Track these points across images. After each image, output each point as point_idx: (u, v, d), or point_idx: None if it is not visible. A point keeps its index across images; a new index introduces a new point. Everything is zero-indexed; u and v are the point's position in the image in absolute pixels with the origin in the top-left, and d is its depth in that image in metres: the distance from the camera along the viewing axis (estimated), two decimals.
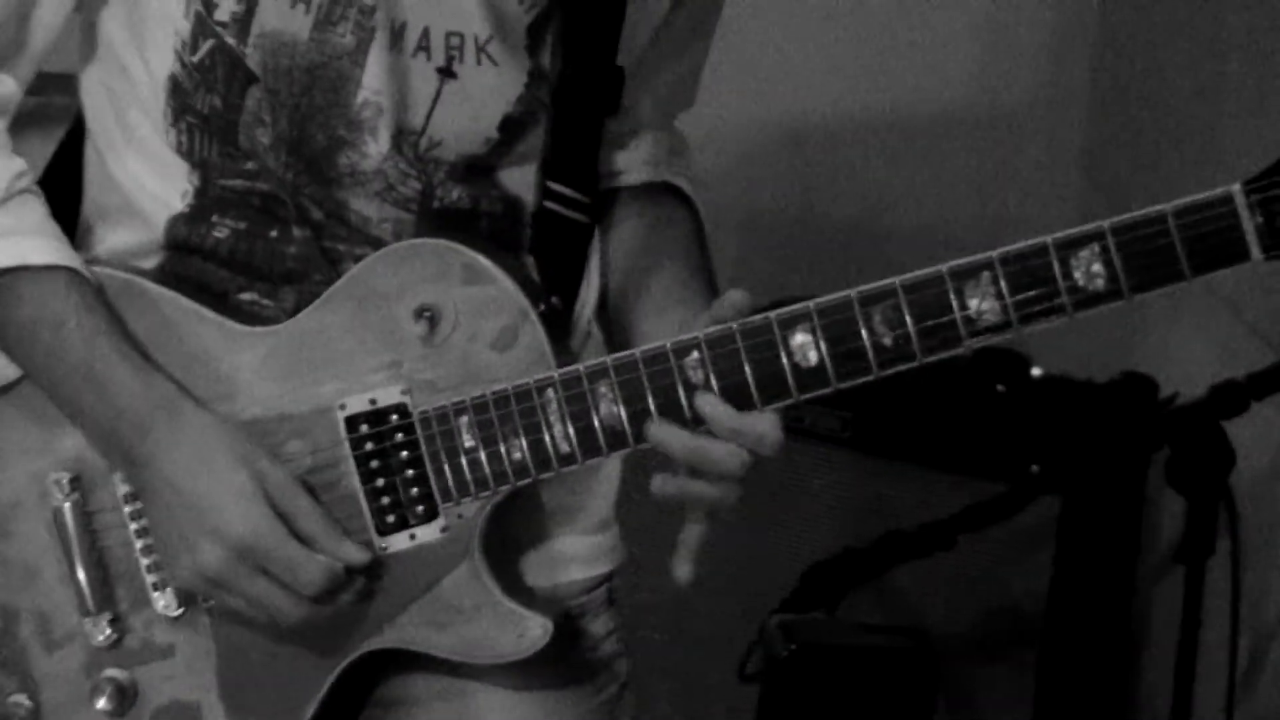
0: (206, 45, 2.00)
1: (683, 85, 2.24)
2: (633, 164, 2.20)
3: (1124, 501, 3.57)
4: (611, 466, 2.18)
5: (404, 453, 1.98)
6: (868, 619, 3.47)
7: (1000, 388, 3.55)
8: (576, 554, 2.19)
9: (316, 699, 2.04)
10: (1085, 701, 3.56)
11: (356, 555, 1.96)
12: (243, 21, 1.99)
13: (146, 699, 2.05)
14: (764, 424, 1.90)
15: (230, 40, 1.99)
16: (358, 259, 2.03)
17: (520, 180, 2.11)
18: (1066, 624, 3.52)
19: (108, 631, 2.04)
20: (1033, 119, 3.98)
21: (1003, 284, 1.85)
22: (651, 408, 1.91)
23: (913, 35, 3.99)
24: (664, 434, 1.91)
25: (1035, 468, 3.49)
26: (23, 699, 2.06)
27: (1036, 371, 3.56)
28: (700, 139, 2.31)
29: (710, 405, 1.89)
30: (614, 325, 2.16)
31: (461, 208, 2.08)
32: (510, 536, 2.07)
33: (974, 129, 4.00)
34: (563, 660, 2.09)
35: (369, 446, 1.98)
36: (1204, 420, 3.30)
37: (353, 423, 1.98)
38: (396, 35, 1.99)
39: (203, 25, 1.99)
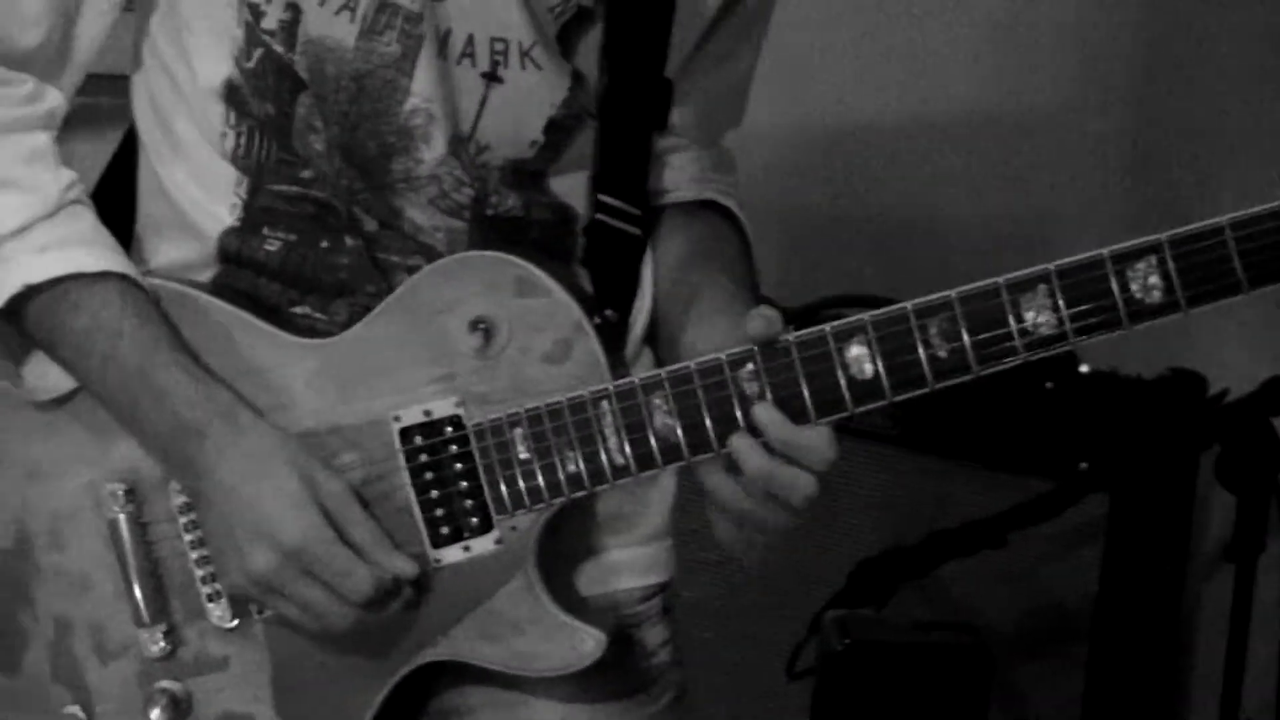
0: (257, 53, 2.01)
1: (729, 100, 2.24)
2: (679, 182, 2.20)
3: (1173, 498, 3.56)
4: (667, 478, 2.17)
5: (458, 465, 1.98)
6: (916, 616, 3.46)
7: (1049, 384, 3.53)
8: (631, 564, 2.19)
9: (371, 711, 2.04)
10: (1135, 699, 3.54)
11: (405, 567, 1.96)
12: (289, 29, 1.99)
13: (201, 710, 2.06)
14: (817, 438, 1.89)
15: (278, 48, 2.00)
16: (410, 269, 2.04)
17: (569, 188, 2.11)
18: (1116, 621, 3.50)
19: (162, 643, 2.05)
20: (1078, 117, 3.96)
21: (1059, 296, 1.84)
22: (707, 420, 1.91)
23: (954, 33, 3.97)
24: (744, 446, 1.90)
25: (1084, 465, 3.47)
26: (76, 710, 2.07)
27: (1085, 368, 3.55)
28: (738, 141, 2.31)
29: (766, 414, 1.89)
30: (658, 339, 2.15)
31: (514, 215, 2.08)
32: (564, 546, 2.07)
33: (1016, 127, 3.98)
34: (616, 671, 2.09)
35: (423, 458, 1.99)
36: (1254, 417, 3.30)
37: (407, 434, 1.99)
38: (442, 42, 2.00)
39: (252, 34, 2.00)
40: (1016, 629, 3.54)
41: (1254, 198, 1.83)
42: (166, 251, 2.11)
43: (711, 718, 3.61)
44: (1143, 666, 3.55)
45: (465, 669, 2.06)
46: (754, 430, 1.90)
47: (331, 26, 1.99)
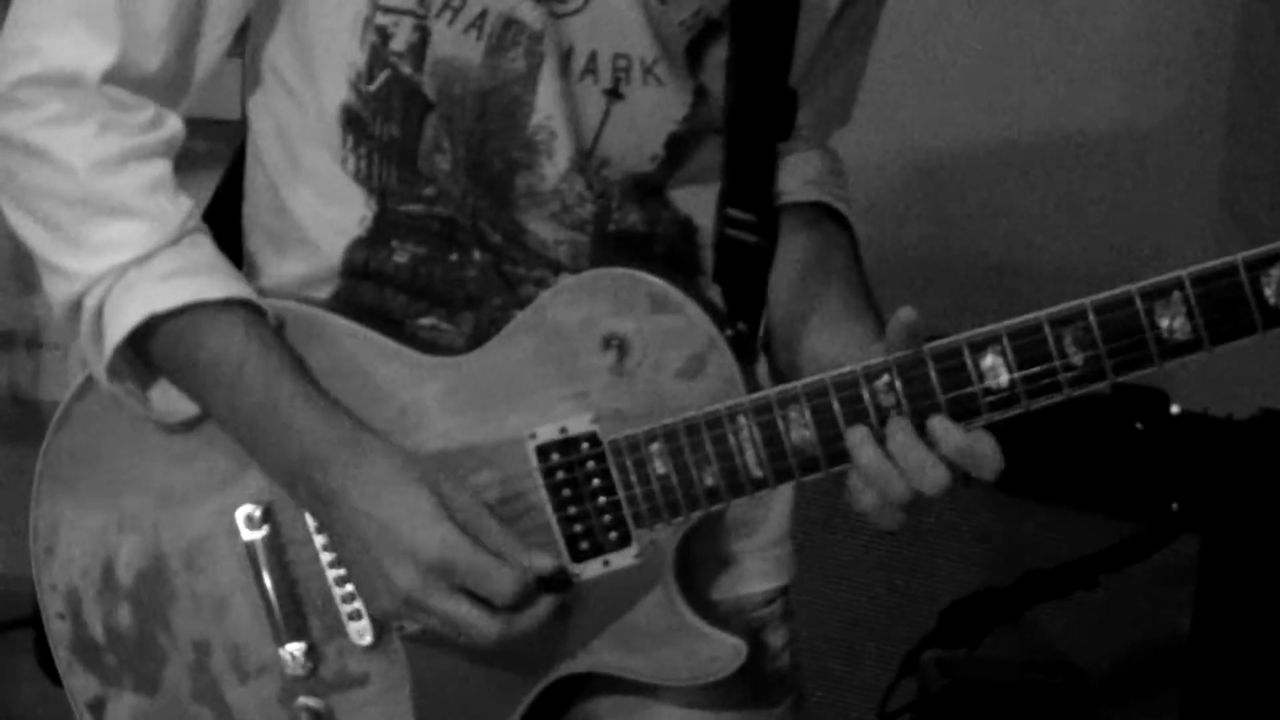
0: (383, 75, 2.03)
1: (840, 101, 2.26)
2: (793, 185, 2.21)
3: (1266, 538, 3.55)
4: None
5: (595, 480, 2.00)
6: (1009, 658, 3.46)
7: (1139, 425, 3.54)
8: (757, 567, 2.21)
9: None
10: None
11: (547, 563, 1.97)
12: (417, 50, 2.02)
13: None
14: (988, 445, 1.91)
15: (406, 70, 2.02)
16: (536, 282, 2.06)
17: (692, 201, 2.13)
18: (1211, 664, 3.50)
19: (303, 661, 2.06)
20: (1172, 150, 3.97)
21: (1194, 303, 1.85)
22: (844, 432, 1.92)
23: (1049, 65, 3.98)
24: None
25: (1175, 506, 3.48)
26: None
27: (1175, 409, 3.55)
28: None
29: (943, 427, 1.90)
30: (775, 344, 2.16)
31: (637, 230, 2.10)
32: (694, 552, 2.08)
33: (1112, 159, 3.99)
34: (741, 675, 2.08)
35: (560, 475, 2.00)
36: None
37: (543, 452, 2.00)
38: (564, 60, 2.02)
39: (378, 56, 2.02)
40: (1110, 670, 3.54)
41: None
42: (285, 267, 2.12)
43: None
44: (1240, 709, 3.54)
45: (592, 675, 2.08)
46: (929, 443, 1.91)
47: (459, 46, 2.01)
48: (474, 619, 1.95)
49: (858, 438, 1.91)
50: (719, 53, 2.07)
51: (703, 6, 2.04)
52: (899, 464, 1.90)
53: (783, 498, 2.21)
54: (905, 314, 1.90)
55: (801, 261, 2.17)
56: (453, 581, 1.94)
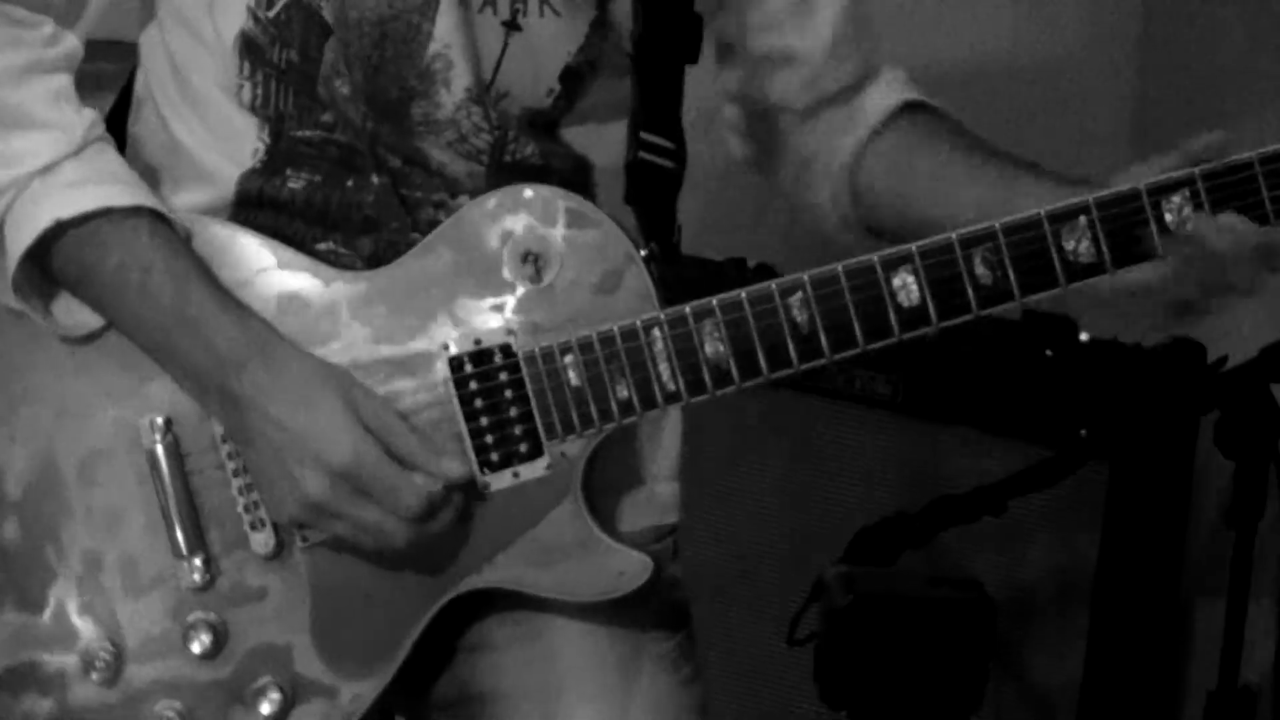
0: (282, 1, 2.03)
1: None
2: (879, 101, 2.24)
3: (1173, 466, 3.59)
4: (674, 423, 2.21)
5: (508, 392, 2.00)
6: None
7: (1049, 352, 3.57)
8: (648, 503, 2.21)
9: (410, 640, 2.05)
10: (1135, 664, 3.58)
11: (453, 468, 1.97)
12: None
13: (237, 641, 2.05)
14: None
15: None
16: (435, 205, 2.07)
17: (585, 139, 2.14)
18: (1116, 587, 3.54)
19: (200, 574, 2.04)
20: (1084, 76, 3.98)
21: (1099, 227, 1.92)
22: (758, 347, 1.95)
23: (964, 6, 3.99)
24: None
25: (1083, 432, 3.51)
26: (105, 644, 2.05)
27: (1084, 336, 3.58)
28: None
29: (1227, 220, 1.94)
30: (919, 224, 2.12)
31: (533, 163, 2.11)
32: (593, 484, 2.08)
33: (1016, 95, 4.00)
34: (639, 603, 2.10)
35: (473, 386, 2.00)
36: (1253, 383, 3.33)
37: (457, 363, 2.00)
38: None
39: None
40: (1018, 593, 3.57)
41: None
42: (177, 199, 2.10)
43: (712, 689, 3.63)
44: (1143, 632, 3.58)
45: (491, 602, 2.08)
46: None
47: None
48: (382, 524, 1.95)
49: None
50: None
51: None
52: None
53: (671, 438, 2.22)
54: (1213, 137, 1.95)
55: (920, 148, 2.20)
56: (359, 488, 1.94)
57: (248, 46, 2.05)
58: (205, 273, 2.00)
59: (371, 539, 1.97)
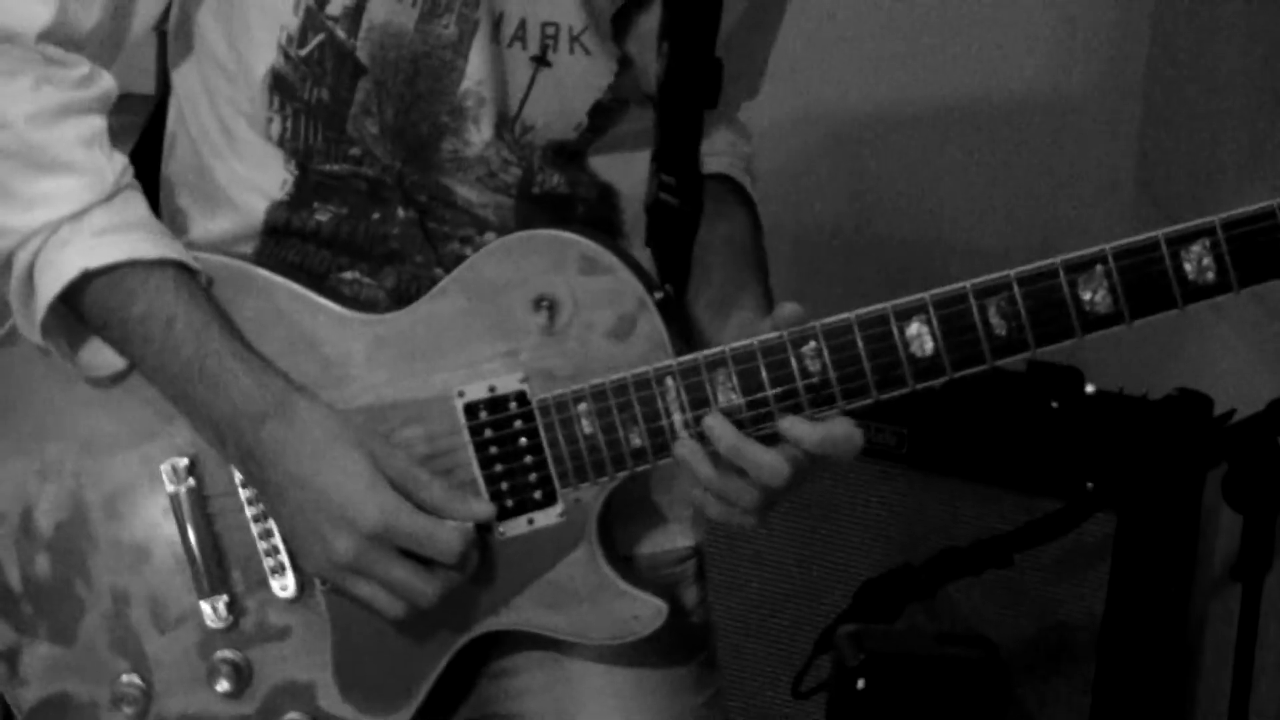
0: (316, 39, 2.04)
1: (748, 75, 2.29)
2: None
3: (1180, 518, 3.58)
4: None
5: (522, 439, 2.01)
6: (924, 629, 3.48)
7: (1055, 404, 3.57)
8: (671, 525, 2.24)
9: (431, 678, 2.07)
10: (1141, 716, 3.57)
11: (483, 509, 2.00)
12: (353, 15, 2.03)
13: (261, 679, 2.08)
14: (767, 458, 1.95)
15: (341, 34, 2.03)
16: (462, 240, 2.08)
17: (611, 167, 2.15)
18: (1123, 640, 3.52)
19: (224, 613, 2.07)
20: (1088, 126, 3.98)
21: (1115, 277, 1.90)
22: (770, 395, 1.95)
23: (968, 41, 3.97)
24: (718, 426, 1.96)
25: (1090, 484, 3.51)
26: (134, 679, 2.09)
27: (1090, 388, 3.58)
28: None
29: (795, 424, 1.95)
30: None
31: (560, 193, 2.12)
32: (612, 506, 2.08)
33: (1028, 135, 4.00)
34: (659, 630, 2.10)
35: (488, 433, 2.01)
36: (1260, 436, 3.33)
37: (471, 410, 2.01)
38: (495, 26, 2.04)
39: (313, 19, 2.03)
40: (1024, 647, 3.56)
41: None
42: (211, 225, 2.13)
43: None
44: (1149, 685, 3.57)
45: (510, 632, 2.09)
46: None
47: (395, 11, 2.03)
48: (415, 581, 1.97)
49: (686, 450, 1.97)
50: (645, 22, 2.10)
51: None
52: (741, 461, 1.95)
53: None
54: (789, 310, 1.95)
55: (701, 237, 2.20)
56: (393, 545, 1.96)
57: (277, 83, 2.06)
58: (226, 324, 2.02)
59: (403, 596, 1.98)
